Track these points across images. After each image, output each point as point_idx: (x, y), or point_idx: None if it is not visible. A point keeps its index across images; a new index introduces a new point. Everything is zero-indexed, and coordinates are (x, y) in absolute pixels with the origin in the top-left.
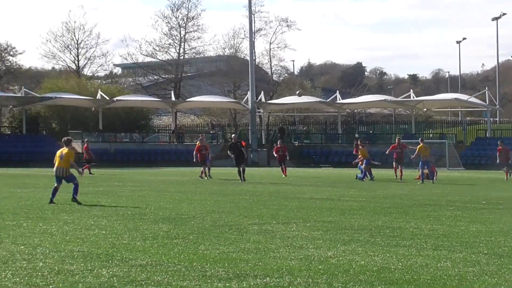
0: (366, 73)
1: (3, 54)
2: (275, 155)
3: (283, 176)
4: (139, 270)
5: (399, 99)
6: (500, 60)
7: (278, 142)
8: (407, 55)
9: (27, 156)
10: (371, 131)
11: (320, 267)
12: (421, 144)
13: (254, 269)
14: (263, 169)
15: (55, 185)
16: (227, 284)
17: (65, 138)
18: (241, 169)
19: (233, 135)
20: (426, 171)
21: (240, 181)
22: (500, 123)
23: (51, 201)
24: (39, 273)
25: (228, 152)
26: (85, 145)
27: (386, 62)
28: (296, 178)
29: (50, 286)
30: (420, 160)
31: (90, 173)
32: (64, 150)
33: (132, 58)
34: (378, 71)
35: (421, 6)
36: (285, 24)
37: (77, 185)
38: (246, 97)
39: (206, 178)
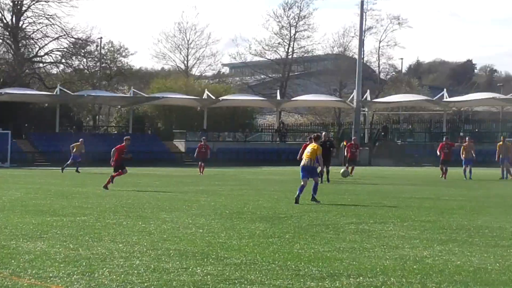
0: (476, 70)
1: (116, 55)
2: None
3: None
4: (233, 269)
5: (508, 96)
6: None
7: (353, 139)
8: None
9: (132, 155)
10: (476, 130)
11: (414, 267)
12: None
13: (348, 269)
14: (364, 168)
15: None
16: (320, 283)
17: (314, 134)
18: (324, 170)
19: (323, 133)
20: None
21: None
22: None
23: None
24: (135, 271)
25: None
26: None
27: (498, 59)
28: (397, 177)
29: (145, 284)
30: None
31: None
32: (313, 145)
33: (241, 58)
34: (489, 68)
35: None
36: (396, 22)
37: (317, 184)
38: (351, 96)
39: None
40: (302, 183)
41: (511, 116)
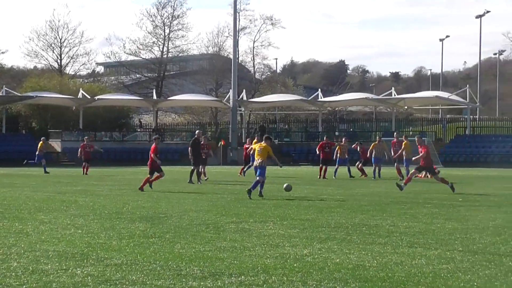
0: (348, 71)
1: None
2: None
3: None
4: (114, 270)
5: (380, 97)
6: (482, 58)
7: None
8: (390, 52)
9: (5, 155)
10: (351, 129)
11: (295, 265)
12: (405, 141)
13: (230, 268)
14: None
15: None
16: (202, 283)
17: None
18: (200, 170)
19: (196, 131)
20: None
21: (189, 181)
22: (480, 121)
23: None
24: (13, 273)
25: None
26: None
27: (369, 60)
28: (274, 176)
29: (24, 286)
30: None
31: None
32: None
33: (116, 57)
34: (361, 69)
35: (408, 3)
36: (269, 22)
37: (263, 182)
38: (227, 96)
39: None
40: (257, 179)
41: (384, 115)
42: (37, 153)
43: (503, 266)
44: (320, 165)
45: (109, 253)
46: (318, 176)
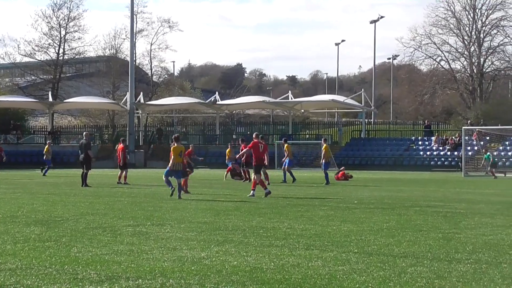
0: (246, 74)
1: None
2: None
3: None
4: (8, 274)
5: (277, 100)
6: (376, 62)
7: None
8: (287, 56)
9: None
10: (248, 132)
11: (193, 268)
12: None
13: (127, 271)
14: (139, 170)
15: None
16: (99, 287)
17: (176, 135)
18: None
19: (84, 133)
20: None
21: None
22: (375, 124)
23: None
24: None
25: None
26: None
27: (266, 64)
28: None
29: None
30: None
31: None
32: (181, 147)
33: (10, 58)
34: (258, 72)
35: (305, 7)
36: (167, 25)
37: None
38: (125, 98)
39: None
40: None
41: (281, 119)
42: (44, 158)
43: (397, 267)
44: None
45: (3, 258)
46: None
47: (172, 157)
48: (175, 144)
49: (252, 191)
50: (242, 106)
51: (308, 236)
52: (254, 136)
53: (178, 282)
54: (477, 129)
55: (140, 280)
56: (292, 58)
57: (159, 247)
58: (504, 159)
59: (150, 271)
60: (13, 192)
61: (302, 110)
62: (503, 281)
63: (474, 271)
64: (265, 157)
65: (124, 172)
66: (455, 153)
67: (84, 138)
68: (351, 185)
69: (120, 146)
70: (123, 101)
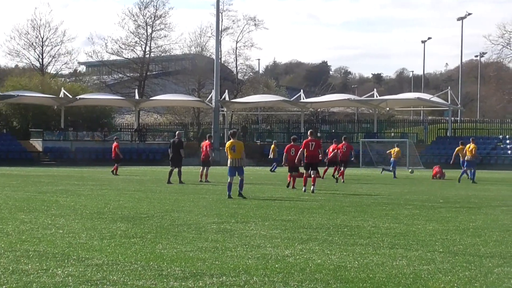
0: (331, 72)
1: None
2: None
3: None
4: (95, 270)
5: (362, 98)
6: (463, 60)
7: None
8: (373, 54)
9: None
10: (333, 130)
11: (276, 265)
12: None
13: (211, 268)
14: (224, 167)
15: (229, 180)
16: (183, 283)
17: (232, 130)
18: (175, 170)
19: (177, 132)
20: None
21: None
22: (461, 122)
23: (229, 196)
24: None
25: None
26: (115, 143)
27: (351, 62)
28: (257, 177)
29: (4, 286)
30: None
31: (116, 173)
32: (235, 142)
33: (98, 56)
34: (343, 70)
35: (392, 5)
36: (252, 23)
37: (243, 180)
38: (210, 96)
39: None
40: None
41: (366, 117)
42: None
43: (483, 267)
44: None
45: (90, 253)
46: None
47: (228, 153)
48: (231, 140)
49: (312, 187)
50: (326, 104)
51: (392, 235)
52: (308, 133)
53: (262, 280)
54: None
55: (224, 277)
56: (377, 56)
57: (243, 245)
58: None
59: (234, 269)
60: (100, 189)
61: (387, 108)
62: None
63: None
64: (318, 154)
65: (205, 169)
66: None
67: (176, 136)
68: (437, 184)
69: (206, 142)
70: (208, 98)
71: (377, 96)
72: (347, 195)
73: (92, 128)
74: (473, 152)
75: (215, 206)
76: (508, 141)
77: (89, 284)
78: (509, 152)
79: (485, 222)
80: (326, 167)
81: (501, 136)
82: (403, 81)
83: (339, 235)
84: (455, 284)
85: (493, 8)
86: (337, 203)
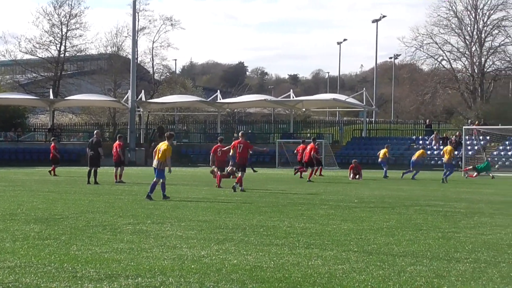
0: (247, 72)
1: None
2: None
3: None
4: (7, 272)
5: (278, 99)
6: (378, 62)
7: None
8: (290, 55)
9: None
10: (250, 131)
11: (192, 266)
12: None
13: (126, 269)
14: (140, 168)
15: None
16: (98, 285)
17: (169, 133)
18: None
19: (95, 131)
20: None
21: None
22: (375, 123)
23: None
24: None
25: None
26: (52, 144)
27: (268, 62)
28: (173, 178)
29: None
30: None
31: (54, 174)
32: (163, 144)
33: (11, 55)
34: (260, 71)
35: (309, 6)
36: (169, 23)
37: (156, 184)
38: (126, 96)
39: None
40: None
41: (282, 117)
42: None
43: (396, 266)
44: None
45: (2, 256)
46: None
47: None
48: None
49: (240, 187)
50: (243, 104)
51: (308, 234)
52: (239, 135)
53: (178, 281)
54: (477, 129)
55: (139, 279)
56: (294, 57)
57: (159, 246)
58: (504, 159)
59: (150, 269)
60: (13, 190)
61: (304, 109)
62: (502, 280)
63: (473, 270)
64: (247, 156)
65: (119, 169)
66: (455, 152)
67: (95, 136)
68: (352, 184)
69: (116, 142)
70: (124, 99)
71: (293, 97)
72: (264, 195)
73: (5, 128)
74: (386, 155)
75: (131, 207)
76: (421, 142)
77: (1, 287)
78: None
79: (399, 221)
80: (302, 168)
81: (414, 137)
82: (319, 82)
83: (255, 236)
84: (369, 283)
85: (407, 11)
86: (254, 204)
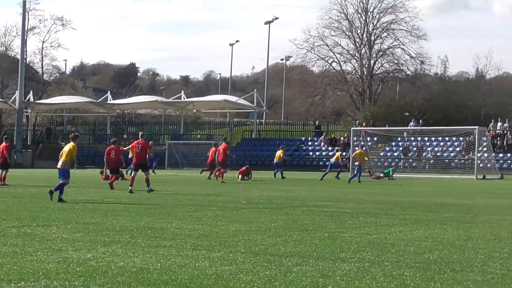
0: (139, 73)
1: None
2: None
3: None
4: None
5: (169, 100)
6: (270, 63)
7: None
8: (182, 56)
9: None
10: (140, 132)
11: (78, 269)
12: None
13: (9, 274)
14: (26, 170)
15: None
16: None
17: (73, 134)
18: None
19: None
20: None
21: None
22: (266, 124)
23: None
24: None
25: None
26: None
27: (160, 63)
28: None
29: None
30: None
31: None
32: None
33: None
34: (151, 72)
35: (202, 7)
36: (60, 23)
37: (65, 185)
38: (14, 97)
39: None
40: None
41: (173, 119)
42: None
43: (283, 266)
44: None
45: None
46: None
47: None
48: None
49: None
50: (134, 105)
51: (196, 236)
52: (139, 135)
53: (63, 284)
54: (365, 130)
55: (22, 283)
56: (186, 58)
57: (44, 249)
58: (390, 160)
59: (34, 273)
60: None
61: (194, 110)
62: (385, 279)
63: (358, 270)
64: (146, 156)
65: (4, 172)
66: (344, 153)
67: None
68: (241, 185)
69: (2, 144)
70: (12, 99)
71: (184, 98)
72: (153, 197)
73: None
74: (281, 155)
75: (15, 209)
76: (310, 143)
77: None
78: (311, 153)
79: (286, 222)
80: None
81: (303, 138)
82: (210, 83)
83: (142, 237)
84: (256, 284)
85: (299, 13)
86: (142, 205)
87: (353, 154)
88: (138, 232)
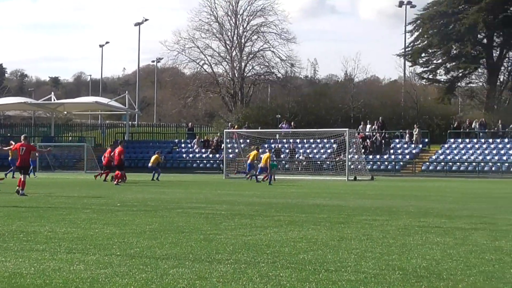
0: (6, 74)
1: None
2: None
3: None
4: None
5: (39, 101)
6: (141, 65)
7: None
8: (51, 57)
9: None
10: (9, 134)
11: None
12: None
13: None
14: None
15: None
16: None
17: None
18: None
19: None
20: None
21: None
22: (138, 126)
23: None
24: None
25: None
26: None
27: (29, 64)
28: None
29: None
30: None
31: None
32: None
33: None
34: (19, 73)
35: (71, 8)
36: None
37: None
38: None
39: None
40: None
41: (43, 120)
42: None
43: (159, 269)
44: None
45: None
46: None
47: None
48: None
49: (21, 190)
50: (2, 107)
51: (70, 239)
52: (22, 138)
53: None
54: (237, 132)
55: None
56: (55, 59)
57: None
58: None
59: None
60: None
61: (65, 112)
62: (261, 280)
63: (234, 271)
64: (29, 158)
65: None
66: (217, 155)
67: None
68: (115, 187)
69: None
70: None
71: (54, 100)
72: (24, 200)
73: None
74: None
75: None
76: (183, 145)
77: None
78: (184, 155)
79: (161, 224)
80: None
81: (176, 140)
82: (81, 85)
83: (14, 241)
84: (132, 287)
85: (169, 15)
86: (12, 209)
87: (264, 157)
88: (10, 236)
